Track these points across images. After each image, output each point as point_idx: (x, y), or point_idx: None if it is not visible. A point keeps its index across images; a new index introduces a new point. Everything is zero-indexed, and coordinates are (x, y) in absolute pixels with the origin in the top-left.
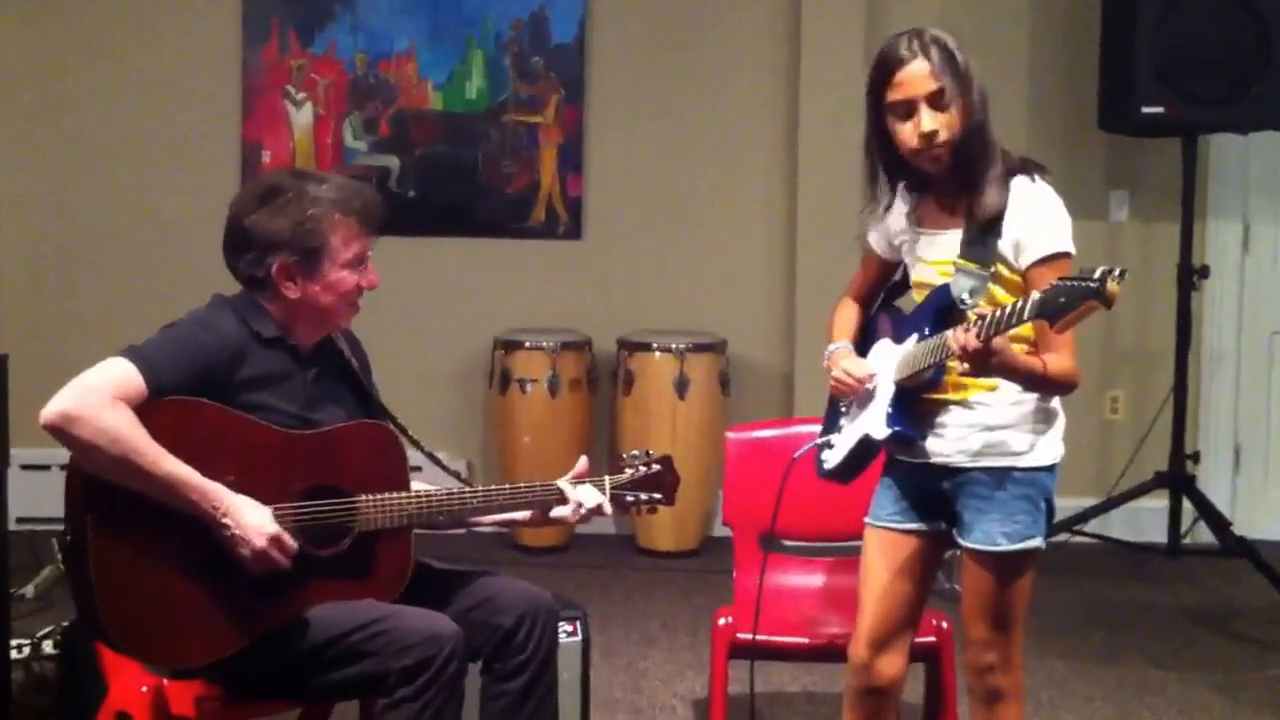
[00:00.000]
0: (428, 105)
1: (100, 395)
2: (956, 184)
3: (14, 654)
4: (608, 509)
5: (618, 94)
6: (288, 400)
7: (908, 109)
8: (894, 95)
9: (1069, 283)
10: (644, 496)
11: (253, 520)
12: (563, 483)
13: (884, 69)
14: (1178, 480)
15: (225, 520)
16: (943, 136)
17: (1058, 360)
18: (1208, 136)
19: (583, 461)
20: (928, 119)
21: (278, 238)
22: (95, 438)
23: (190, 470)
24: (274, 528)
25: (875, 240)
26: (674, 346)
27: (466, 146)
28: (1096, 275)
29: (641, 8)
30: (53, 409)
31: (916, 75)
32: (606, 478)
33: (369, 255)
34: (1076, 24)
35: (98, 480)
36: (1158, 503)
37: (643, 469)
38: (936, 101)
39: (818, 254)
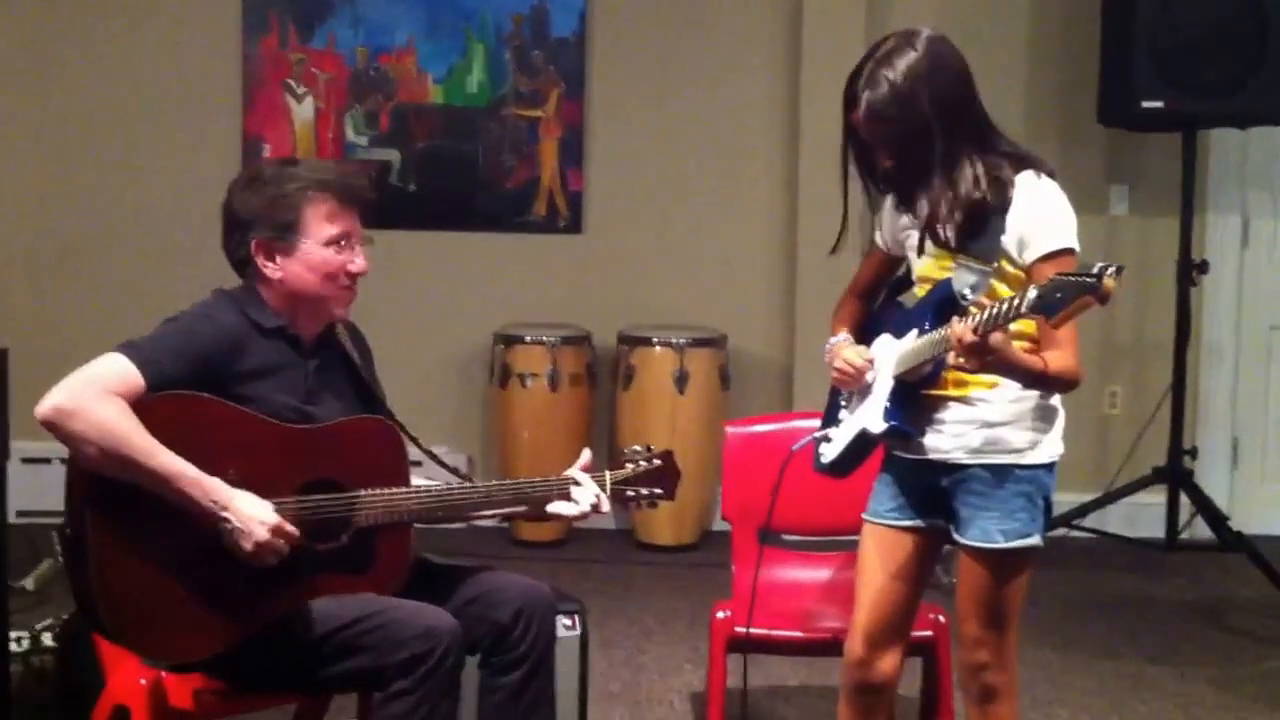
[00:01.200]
0: (428, 99)
1: (95, 389)
2: (904, 202)
3: (13, 647)
4: (605, 506)
5: (618, 88)
6: (288, 392)
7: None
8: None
9: (1066, 278)
10: (645, 492)
11: (252, 510)
12: (575, 471)
13: (844, 101)
14: (1176, 475)
15: (224, 514)
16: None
17: (1059, 357)
18: (1207, 131)
19: (586, 454)
20: (884, 158)
21: (254, 214)
22: (88, 431)
23: (185, 463)
24: (275, 517)
25: (880, 235)
26: (674, 341)
27: (467, 140)
28: (1094, 271)
29: (642, 2)
30: (47, 404)
31: (858, 121)
32: (607, 473)
33: (357, 239)
34: (1076, 18)
35: (98, 473)
36: (1155, 498)
37: (644, 464)
38: (879, 142)
39: (818, 249)
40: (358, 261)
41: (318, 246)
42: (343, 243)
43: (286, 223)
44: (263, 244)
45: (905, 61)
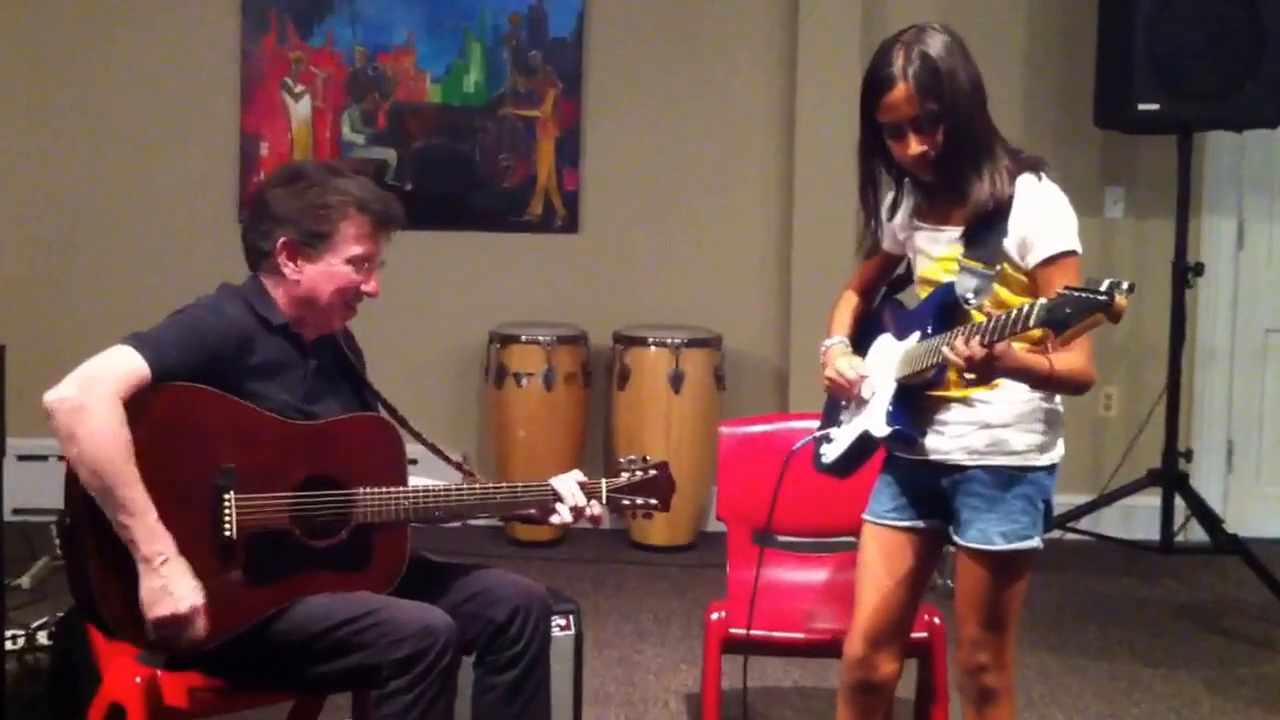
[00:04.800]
0: (425, 98)
1: (106, 389)
2: (951, 186)
3: (8, 644)
4: (594, 511)
5: (615, 88)
6: (288, 391)
7: (896, 130)
8: (882, 117)
9: (1075, 294)
10: (640, 501)
11: (187, 585)
12: (560, 484)
13: (871, 88)
14: (1170, 478)
15: (161, 570)
16: (932, 154)
17: (1066, 358)
18: (1203, 133)
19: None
20: (914, 143)
21: (292, 214)
22: (87, 434)
23: (151, 507)
24: (199, 600)
25: (881, 233)
26: (669, 341)
27: (464, 140)
28: (1103, 288)
29: (639, 2)
30: (57, 394)
31: (899, 101)
32: (603, 480)
33: (376, 263)
34: (1073, 21)
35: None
36: (1150, 500)
37: (639, 474)
38: (919, 125)
39: (813, 250)
40: (372, 284)
41: (340, 262)
42: (365, 264)
43: (319, 232)
44: (289, 245)
45: (939, 41)
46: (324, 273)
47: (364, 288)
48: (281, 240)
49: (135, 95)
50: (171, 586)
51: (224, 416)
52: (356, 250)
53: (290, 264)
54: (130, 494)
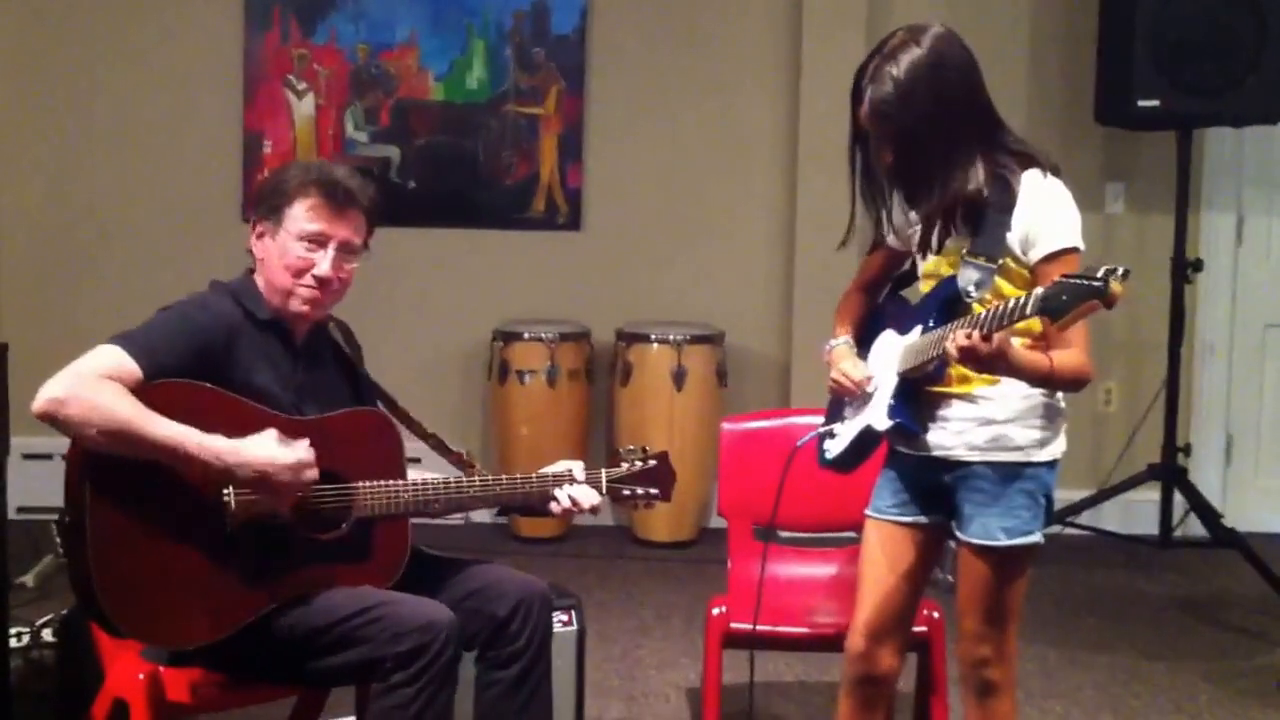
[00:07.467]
0: (429, 96)
1: (90, 378)
2: (907, 199)
3: (13, 642)
4: (591, 501)
5: (618, 85)
6: (277, 386)
7: (869, 137)
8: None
9: (1071, 280)
10: (640, 491)
11: (262, 452)
12: (560, 468)
13: (852, 93)
14: (1169, 472)
15: (238, 471)
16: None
17: (1065, 355)
18: (1203, 129)
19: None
20: (884, 152)
21: (261, 195)
22: (88, 414)
23: (187, 428)
24: (281, 459)
25: (886, 230)
26: (672, 338)
27: (467, 137)
28: (1099, 274)
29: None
30: (43, 396)
31: (864, 115)
32: (604, 471)
33: (337, 245)
34: (1074, 17)
35: (97, 460)
36: (1150, 494)
37: (639, 464)
38: (881, 138)
39: (816, 246)
40: (322, 265)
41: (292, 239)
42: (316, 242)
43: (276, 206)
44: (256, 222)
45: (909, 58)
46: (279, 249)
47: (315, 270)
48: (254, 220)
49: (138, 93)
50: (255, 467)
51: (223, 413)
52: (308, 227)
53: (259, 243)
54: (164, 433)
